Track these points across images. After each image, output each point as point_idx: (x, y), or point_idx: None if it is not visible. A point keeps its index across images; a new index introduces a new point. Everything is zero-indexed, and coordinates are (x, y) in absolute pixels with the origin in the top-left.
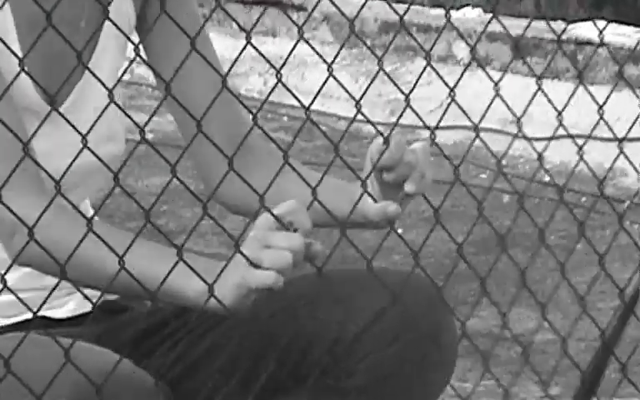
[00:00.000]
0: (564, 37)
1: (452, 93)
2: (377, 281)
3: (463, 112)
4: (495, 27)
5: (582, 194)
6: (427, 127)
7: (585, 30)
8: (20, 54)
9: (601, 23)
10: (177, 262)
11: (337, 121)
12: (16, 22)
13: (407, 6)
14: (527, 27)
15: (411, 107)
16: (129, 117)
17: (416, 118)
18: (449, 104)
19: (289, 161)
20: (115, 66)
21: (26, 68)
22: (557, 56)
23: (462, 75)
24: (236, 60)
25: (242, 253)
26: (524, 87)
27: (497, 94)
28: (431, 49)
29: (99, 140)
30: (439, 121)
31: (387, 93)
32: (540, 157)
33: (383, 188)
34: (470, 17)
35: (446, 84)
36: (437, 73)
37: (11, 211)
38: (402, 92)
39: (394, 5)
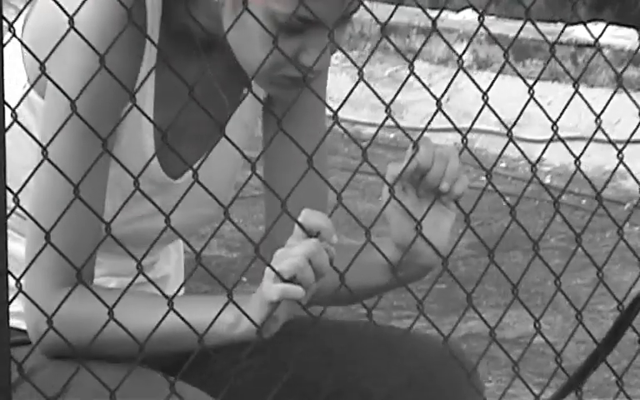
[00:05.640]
0: (564, 39)
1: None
2: (408, 344)
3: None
4: (495, 29)
5: (582, 197)
6: (458, 131)
7: (585, 32)
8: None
9: (601, 25)
10: (222, 308)
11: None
12: (156, 92)
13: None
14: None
15: (442, 111)
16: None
17: (416, 121)
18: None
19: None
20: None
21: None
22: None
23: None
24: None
25: (271, 267)
26: (524, 90)
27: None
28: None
29: (201, 202)
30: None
31: (388, 97)
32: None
33: (417, 194)
34: (469, 19)
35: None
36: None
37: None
38: (433, 95)
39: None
